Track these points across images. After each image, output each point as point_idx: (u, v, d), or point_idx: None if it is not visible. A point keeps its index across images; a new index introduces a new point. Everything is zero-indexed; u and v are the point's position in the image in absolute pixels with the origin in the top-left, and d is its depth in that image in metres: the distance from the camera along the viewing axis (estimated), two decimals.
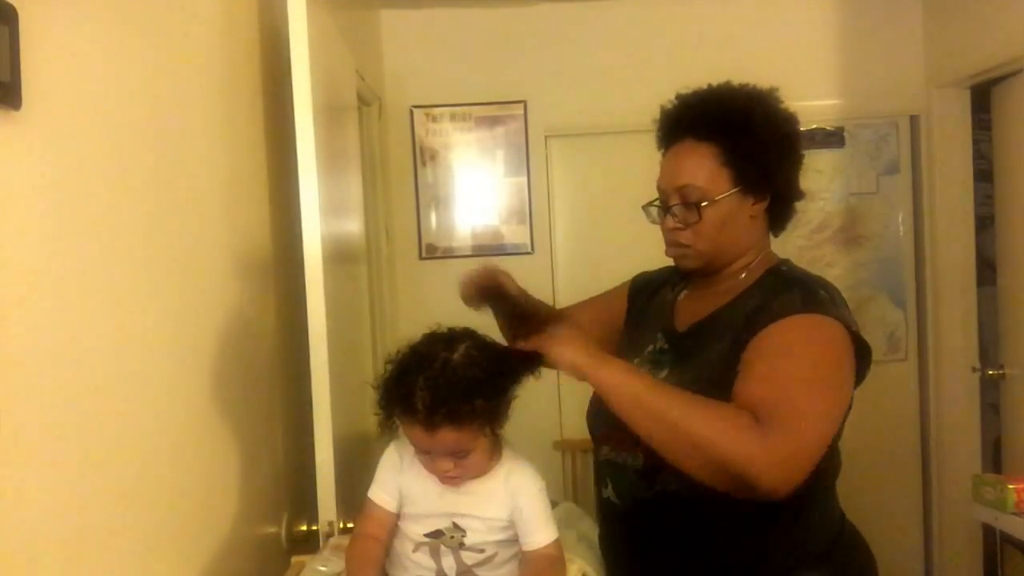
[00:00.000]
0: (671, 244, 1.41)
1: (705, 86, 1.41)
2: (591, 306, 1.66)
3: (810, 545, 1.34)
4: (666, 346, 1.43)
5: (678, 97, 1.42)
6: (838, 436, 1.32)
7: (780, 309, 1.29)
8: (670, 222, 1.38)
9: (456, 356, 1.13)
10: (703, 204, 1.33)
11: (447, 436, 1.11)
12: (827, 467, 1.32)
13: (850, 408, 1.30)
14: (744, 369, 1.26)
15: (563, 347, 1.23)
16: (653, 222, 1.44)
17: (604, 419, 1.35)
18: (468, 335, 1.19)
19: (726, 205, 1.34)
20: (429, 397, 1.10)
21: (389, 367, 1.17)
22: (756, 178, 1.35)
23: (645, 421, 1.21)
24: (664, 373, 1.39)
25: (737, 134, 1.34)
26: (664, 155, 1.43)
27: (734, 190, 1.34)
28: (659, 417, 1.20)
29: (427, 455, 1.16)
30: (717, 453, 1.16)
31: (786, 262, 1.44)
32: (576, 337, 1.25)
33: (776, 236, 1.46)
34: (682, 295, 1.49)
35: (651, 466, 1.31)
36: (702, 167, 1.34)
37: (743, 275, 1.40)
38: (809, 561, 1.33)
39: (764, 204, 1.38)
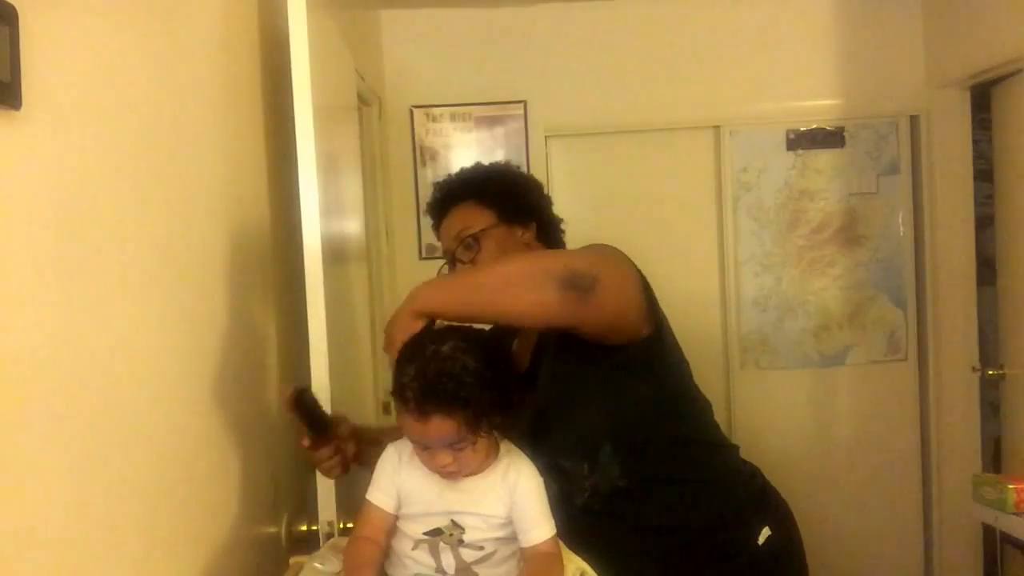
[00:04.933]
0: None
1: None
2: None
3: (741, 498, 1.48)
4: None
5: (435, 186, 1.69)
6: (689, 381, 1.51)
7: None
8: (459, 267, 1.58)
9: (445, 348, 1.15)
10: (477, 235, 1.56)
11: (439, 425, 1.12)
12: (691, 411, 1.51)
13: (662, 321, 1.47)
14: None
15: (396, 322, 1.26)
16: None
17: None
18: (457, 330, 1.21)
19: (498, 235, 1.57)
20: (418, 387, 1.12)
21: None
22: (514, 210, 1.60)
23: (488, 297, 1.29)
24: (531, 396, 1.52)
25: (486, 184, 1.63)
26: (439, 232, 1.66)
27: (500, 223, 1.58)
28: (495, 285, 1.30)
29: (426, 451, 1.16)
30: (551, 271, 1.28)
31: None
32: (395, 317, 1.28)
33: None
34: (514, 345, 1.63)
35: (562, 488, 1.40)
36: (468, 215, 1.59)
37: None
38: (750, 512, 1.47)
39: (532, 231, 1.62)
